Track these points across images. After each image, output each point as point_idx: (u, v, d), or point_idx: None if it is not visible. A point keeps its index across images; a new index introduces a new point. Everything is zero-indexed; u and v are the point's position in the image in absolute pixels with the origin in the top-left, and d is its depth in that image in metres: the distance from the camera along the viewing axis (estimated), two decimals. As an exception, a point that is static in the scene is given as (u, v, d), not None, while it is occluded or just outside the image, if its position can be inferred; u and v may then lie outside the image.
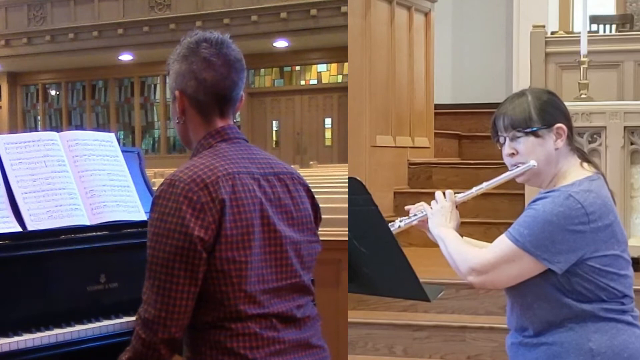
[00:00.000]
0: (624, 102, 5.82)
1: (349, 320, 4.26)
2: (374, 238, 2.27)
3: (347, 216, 2.29)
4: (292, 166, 2.31)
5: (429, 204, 2.41)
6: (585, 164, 2.30)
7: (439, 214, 2.37)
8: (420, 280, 2.27)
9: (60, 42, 17.47)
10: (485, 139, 7.58)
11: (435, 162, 6.73)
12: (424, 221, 2.40)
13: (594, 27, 7.92)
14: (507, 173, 2.33)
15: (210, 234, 2.00)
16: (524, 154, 2.28)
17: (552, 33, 7.02)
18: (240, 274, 2.02)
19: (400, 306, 4.63)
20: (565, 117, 2.32)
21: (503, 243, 2.22)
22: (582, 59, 5.38)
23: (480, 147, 7.44)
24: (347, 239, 2.30)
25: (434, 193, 2.47)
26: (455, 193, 2.41)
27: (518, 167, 2.29)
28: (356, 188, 2.26)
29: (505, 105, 2.34)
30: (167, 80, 2.23)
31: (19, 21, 17.93)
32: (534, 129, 2.26)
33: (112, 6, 16.98)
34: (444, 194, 2.40)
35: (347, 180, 2.30)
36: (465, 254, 2.27)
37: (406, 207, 2.47)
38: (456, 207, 2.40)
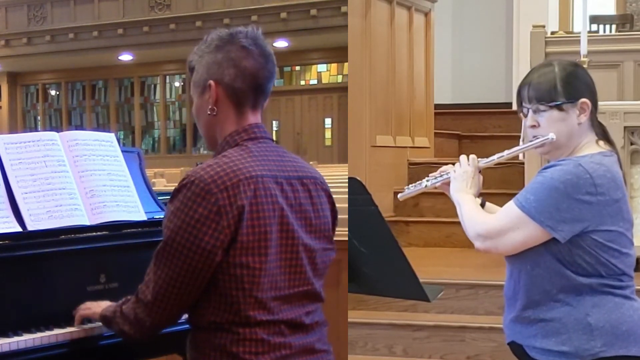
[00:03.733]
0: (624, 102, 5.82)
1: (349, 320, 4.25)
2: (374, 238, 2.27)
3: (347, 216, 2.28)
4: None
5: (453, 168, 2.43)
6: (601, 142, 2.30)
7: (460, 178, 2.38)
8: (420, 280, 2.27)
9: (60, 42, 17.47)
10: (486, 139, 7.63)
11: (435, 162, 6.72)
12: (447, 183, 2.42)
13: (594, 27, 7.92)
14: (527, 144, 2.34)
15: (223, 239, 1.97)
16: (545, 128, 2.27)
17: (552, 33, 7.02)
18: (253, 280, 1.99)
19: (400, 306, 4.63)
20: (590, 91, 2.30)
21: (510, 209, 2.23)
22: (582, 59, 5.38)
23: (481, 147, 7.43)
24: (347, 239, 2.30)
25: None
26: (478, 158, 2.42)
27: (538, 138, 2.29)
28: (356, 188, 2.25)
29: (531, 74, 2.32)
30: (193, 76, 2.17)
31: (19, 21, 17.94)
32: (558, 102, 2.25)
33: (112, 6, 16.98)
34: (468, 158, 2.41)
35: (347, 180, 2.30)
36: (475, 220, 2.29)
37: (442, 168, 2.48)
38: (479, 172, 2.40)
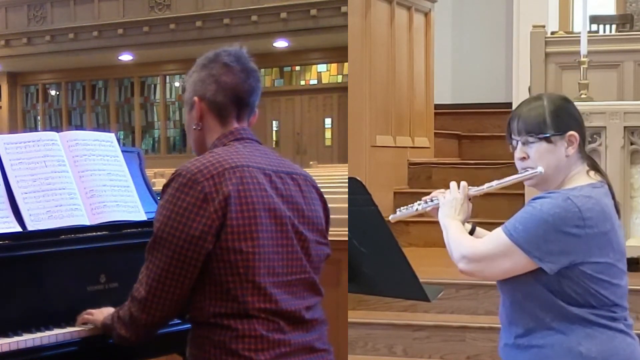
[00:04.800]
0: (624, 102, 5.81)
1: (349, 320, 4.26)
2: (374, 238, 2.28)
3: (347, 216, 2.29)
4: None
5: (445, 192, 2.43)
6: (591, 172, 2.31)
7: (449, 205, 2.39)
8: (420, 280, 2.27)
9: (60, 42, 17.46)
10: (485, 139, 7.63)
11: (435, 162, 6.73)
12: (437, 209, 2.42)
13: (594, 27, 7.91)
14: (516, 176, 2.35)
15: (211, 224, 2.02)
16: (534, 159, 2.29)
17: (552, 33, 7.01)
18: (247, 264, 2.03)
19: (400, 306, 4.64)
20: (578, 124, 2.33)
21: (498, 236, 2.24)
22: (582, 59, 5.37)
23: (480, 147, 7.44)
24: (347, 239, 2.30)
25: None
26: (468, 186, 2.42)
27: (527, 171, 2.30)
28: (356, 188, 2.26)
29: (521, 107, 2.35)
30: (185, 95, 2.27)
31: (19, 21, 17.92)
32: (547, 135, 2.27)
33: (112, 6, 16.97)
34: (458, 185, 2.41)
35: (347, 180, 2.31)
36: (461, 242, 2.30)
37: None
38: (469, 199, 2.41)
